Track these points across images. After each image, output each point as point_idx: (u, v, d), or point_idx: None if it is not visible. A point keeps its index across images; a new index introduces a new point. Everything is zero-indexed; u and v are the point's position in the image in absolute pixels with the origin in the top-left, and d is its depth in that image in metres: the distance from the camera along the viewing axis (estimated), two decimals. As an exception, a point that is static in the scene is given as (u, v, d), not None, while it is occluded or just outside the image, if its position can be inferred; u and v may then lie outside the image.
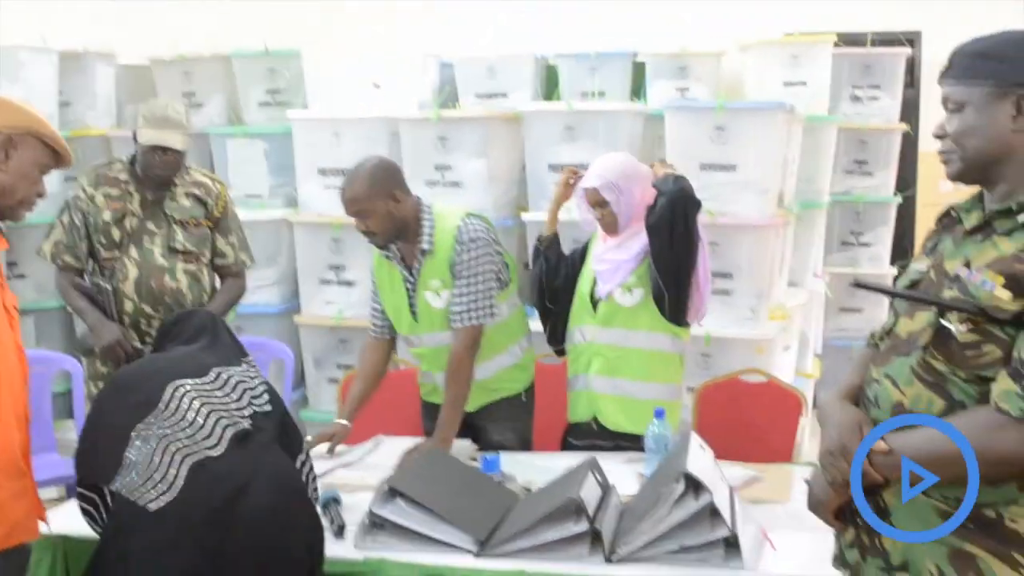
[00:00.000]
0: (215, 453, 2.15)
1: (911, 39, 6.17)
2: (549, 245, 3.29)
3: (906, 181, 6.17)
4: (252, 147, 4.77)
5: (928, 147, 6.16)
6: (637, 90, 5.28)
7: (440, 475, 2.58)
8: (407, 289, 3.09)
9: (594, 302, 3.12)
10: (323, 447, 3.05)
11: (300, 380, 4.65)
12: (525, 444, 3.22)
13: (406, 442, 3.10)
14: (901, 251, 5.83)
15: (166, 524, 2.08)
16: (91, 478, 2.20)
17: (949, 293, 1.62)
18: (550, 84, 5.39)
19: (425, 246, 3.02)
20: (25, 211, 2.25)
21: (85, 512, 2.21)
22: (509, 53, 5.26)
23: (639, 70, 5.35)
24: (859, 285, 1.79)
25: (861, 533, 1.73)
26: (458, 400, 3.02)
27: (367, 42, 5.26)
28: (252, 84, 5.07)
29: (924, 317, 1.66)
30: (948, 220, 1.80)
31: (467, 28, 6.43)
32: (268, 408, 2.28)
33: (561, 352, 3.30)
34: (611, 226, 3.08)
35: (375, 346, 3.25)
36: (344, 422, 3.10)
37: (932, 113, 5.77)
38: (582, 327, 3.16)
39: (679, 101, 4.63)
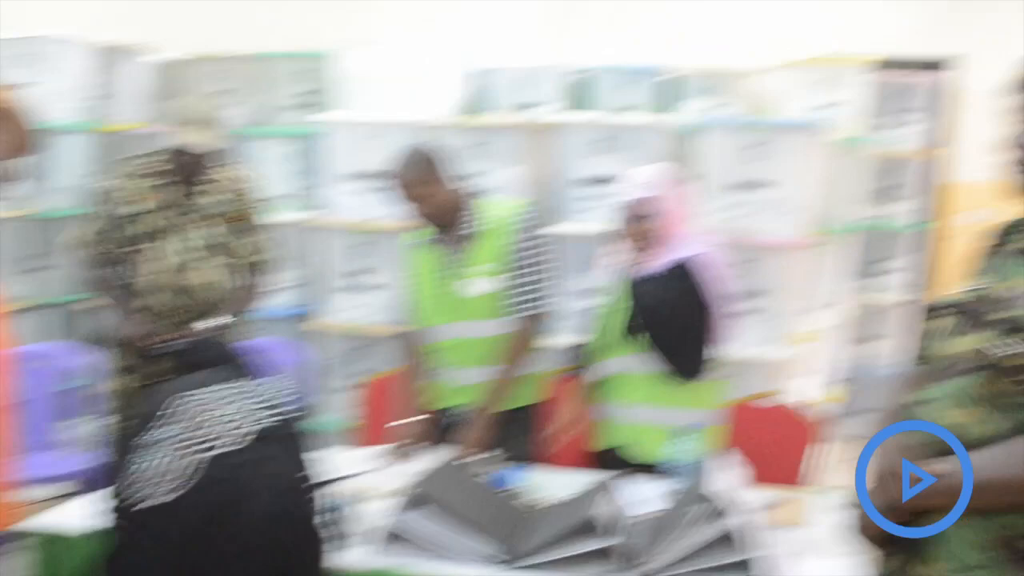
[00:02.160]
0: (214, 454, 2.12)
1: (948, 66, 6.12)
2: None
3: (937, 209, 6.12)
4: (279, 148, 4.77)
5: (961, 176, 6.19)
6: (668, 107, 5.25)
7: (462, 484, 2.55)
8: (448, 275, 3.04)
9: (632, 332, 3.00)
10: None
11: (315, 386, 4.62)
12: (532, 457, 3.16)
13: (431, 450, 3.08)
14: (930, 279, 5.77)
15: (158, 521, 2.05)
16: (109, 498, 2.19)
17: (1009, 313, 1.58)
18: (582, 97, 5.37)
19: (478, 228, 2.99)
20: None
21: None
22: (541, 64, 5.26)
23: (671, 86, 5.33)
24: (933, 308, 1.72)
25: (908, 560, 1.67)
26: (510, 378, 2.99)
27: (400, 47, 5.24)
28: (283, 85, 5.07)
29: (980, 337, 1.61)
30: (1002, 241, 1.75)
31: (501, 37, 6.42)
32: (280, 418, 2.25)
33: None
34: (652, 240, 2.94)
35: (418, 336, 3.19)
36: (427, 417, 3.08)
37: (968, 142, 5.80)
38: (608, 361, 3.05)
39: (713, 117, 4.60)
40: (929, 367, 1.73)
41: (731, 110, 5.12)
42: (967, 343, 1.65)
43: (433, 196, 2.93)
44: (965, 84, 6.14)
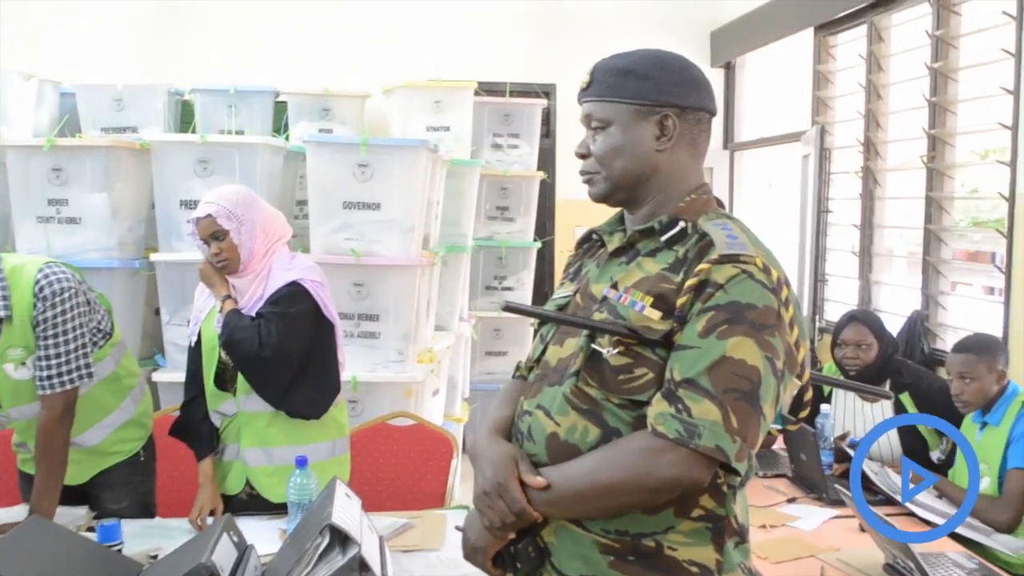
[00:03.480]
0: None
1: (547, 92, 6.45)
2: None
3: (545, 227, 6.42)
4: None
5: (564, 195, 6.53)
6: (279, 129, 5.09)
7: (43, 550, 2.21)
8: None
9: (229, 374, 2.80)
10: None
11: None
12: (147, 508, 2.89)
13: (6, 513, 2.67)
14: (541, 294, 6.02)
15: None
16: None
17: (599, 316, 1.55)
18: (185, 120, 5.07)
19: (5, 306, 2.55)
20: None
21: None
22: (139, 84, 4.90)
23: (280, 109, 5.17)
24: (509, 308, 1.67)
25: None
26: (52, 477, 2.61)
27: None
28: None
29: (574, 343, 1.58)
30: (589, 244, 1.75)
31: (90, 54, 5.92)
32: None
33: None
34: (233, 263, 2.75)
35: None
36: None
37: (567, 162, 6.12)
38: (221, 406, 2.82)
39: (321, 136, 4.48)
40: (530, 377, 1.69)
41: (343, 131, 5.05)
42: (558, 351, 1.62)
43: None
44: (564, 110, 6.50)
